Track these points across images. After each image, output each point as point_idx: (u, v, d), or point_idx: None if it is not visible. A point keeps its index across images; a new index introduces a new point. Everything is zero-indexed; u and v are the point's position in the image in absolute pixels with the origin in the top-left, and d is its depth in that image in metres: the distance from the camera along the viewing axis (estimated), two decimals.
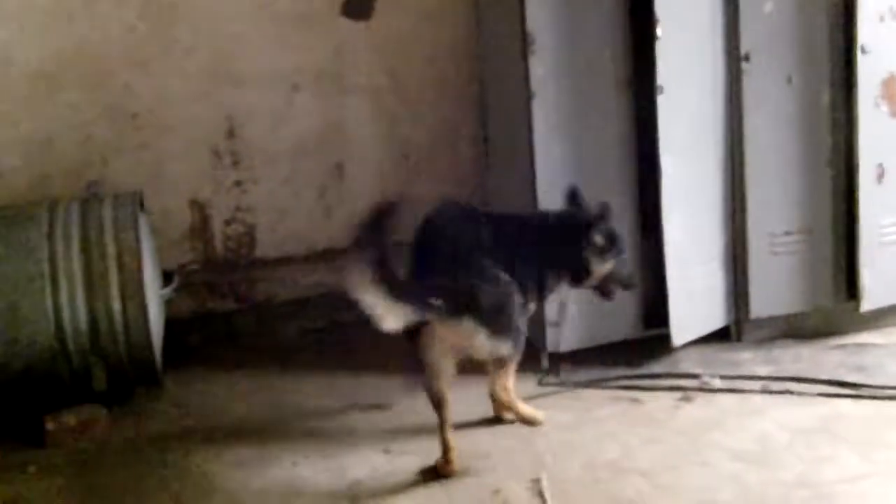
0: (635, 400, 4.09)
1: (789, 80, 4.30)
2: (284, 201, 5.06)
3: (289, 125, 5.00)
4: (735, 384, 4.14)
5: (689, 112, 4.19)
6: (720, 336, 4.51)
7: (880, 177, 4.36)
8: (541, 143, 4.18)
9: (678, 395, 4.09)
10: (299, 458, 3.78)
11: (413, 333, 3.52)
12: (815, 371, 4.19)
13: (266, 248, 5.05)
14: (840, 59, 4.31)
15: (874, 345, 4.46)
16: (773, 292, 4.44)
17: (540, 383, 4.24)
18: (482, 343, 3.57)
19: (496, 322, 3.58)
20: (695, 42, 4.18)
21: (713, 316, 4.44)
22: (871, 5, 4.22)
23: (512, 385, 3.75)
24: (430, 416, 3.64)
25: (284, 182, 5.05)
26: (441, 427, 3.60)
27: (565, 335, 4.31)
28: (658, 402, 4.05)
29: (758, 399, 4.03)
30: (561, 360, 4.35)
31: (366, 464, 3.71)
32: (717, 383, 4.15)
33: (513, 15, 4.14)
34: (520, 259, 3.70)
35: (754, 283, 4.43)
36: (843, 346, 4.44)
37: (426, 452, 3.68)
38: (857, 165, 4.34)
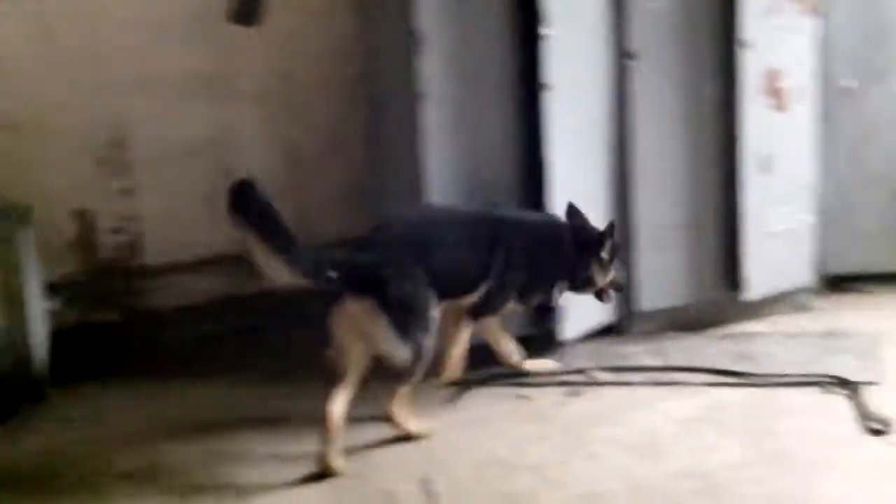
0: (524, 396, 4.15)
1: (674, 76, 4.42)
2: (172, 208, 5.01)
3: (176, 131, 4.97)
4: (622, 377, 4.23)
5: (576, 109, 4.27)
6: (609, 330, 4.60)
7: (763, 168, 4.49)
8: (430, 142, 4.22)
9: (567, 390, 4.16)
10: (188, 467, 3.76)
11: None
12: (701, 361, 4.31)
13: (154, 255, 5.00)
14: (723, 54, 4.43)
15: (758, 333, 4.60)
16: (660, 285, 4.57)
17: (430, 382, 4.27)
18: (381, 332, 3.63)
19: (399, 317, 3.65)
20: (582, 40, 4.27)
21: (601, 311, 4.52)
22: (752, 2, 4.35)
23: (405, 409, 3.80)
24: (317, 422, 3.66)
25: (172, 189, 5.01)
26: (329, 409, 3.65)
27: None
28: (547, 398, 4.12)
29: (645, 391, 4.13)
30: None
31: (256, 470, 3.70)
32: (605, 377, 4.23)
33: (401, 13, 4.17)
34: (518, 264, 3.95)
35: (642, 276, 4.55)
36: (728, 336, 4.58)
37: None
38: (741, 158, 4.47)
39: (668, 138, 4.47)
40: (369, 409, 3.88)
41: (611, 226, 4.10)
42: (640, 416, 3.91)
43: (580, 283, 4.14)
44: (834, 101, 4.70)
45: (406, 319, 3.67)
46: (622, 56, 4.35)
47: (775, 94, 4.47)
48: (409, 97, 4.22)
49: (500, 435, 3.84)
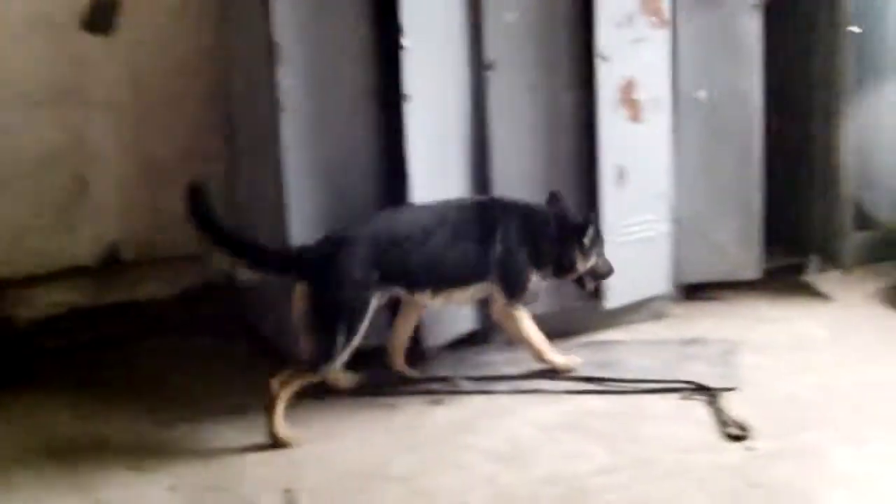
0: (389, 406, 4.16)
1: (532, 88, 4.47)
2: (23, 220, 4.87)
3: (27, 142, 4.82)
4: (485, 385, 4.28)
5: (436, 120, 4.30)
6: (472, 339, 4.63)
7: (620, 178, 4.58)
8: (289, 154, 4.18)
9: (431, 399, 4.20)
10: (45, 482, 3.69)
11: None
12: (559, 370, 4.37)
13: (3, 268, 4.83)
14: (580, 65, 4.51)
15: (618, 341, 4.69)
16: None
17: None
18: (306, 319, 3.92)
19: (321, 312, 3.91)
20: (441, 51, 4.29)
21: (464, 319, 4.57)
22: (608, 13, 4.43)
23: (285, 397, 3.88)
24: (177, 433, 3.62)
25: (23, 200, 4.86)
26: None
27: None
28: (412, 407, 4.15)
29: (508, 399, 4.18)
30: None
31: (115, 483, 3.65)
32: (468, 385, 4.27)
33: (259, 23, 4.12)
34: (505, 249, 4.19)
35: None
36: (588, 345, 4.65)
37: (178, 470, 3.69)
38: (599, 168, 4.55)
39: (526, 149, 4.52)
40: (233, 417, 3.86)
41: (592, 214, 4.36)
42: (505, 425, 3.97)
43: (562, 269, 4.35)
44: (685, 112, 4.82)
45: (323, 316, 3.91)
46: (480, 67, 4.38)
47: (631, 106, 4.57)
48: (267, 108, 4.19)
49: (365, 445, 3.86)
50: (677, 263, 4.89)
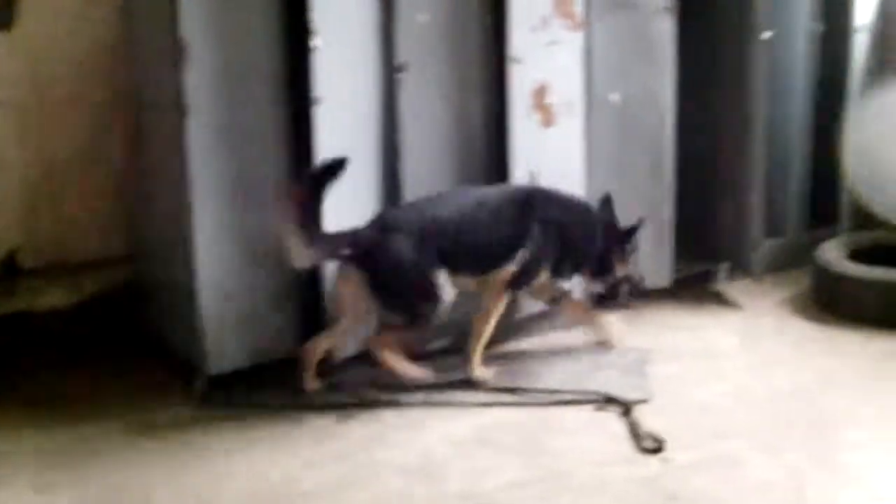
0: (297, 420, 4.06)
1: (444, 91, 4.41)
2: None
3: None
4: (396, 398, 4.20)
5: (346, 123, 4.22)
6: None
7: (534, 183, 4.53)
8: (195, 156, 4.05)
9: (341, 413, 4.11)
10: None
11: None
12: (473, 381, 4.32)
13: None
14: (493, 68, 4.47)
15: (529, 351, 4.65)
16: None
17: (198, 407, 4.15)
18: (368, 297, 4.14)
19: (386, 292, 4.14)
20: (352, 53, 4.22)
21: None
22: (522, 16, 4.39)
23: (394, 344, 4.26)
24: (77, 450, 3.48)
25: None
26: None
27: None
28: (320, 422, 4.05)
29: (419, 412, 4.11)
30: (216, 382, 4.25)
31: (14, 500, 3.53)
32: (378, 399, 4.19)
33: (164, 21, 3.99)
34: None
35: None
36: (501, 355, 4.59)
37: (78, 486, 3.59)
38: (511, 173, 4.50)
39: (437, 153, 4.46)
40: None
41: (640, 221, 4.54)
42: (418, 439, 3.91)
43: (602, 272, 4.53)
44: (598, 116, 4.79)
45: (391, 296, 4.16)
46: (391, 69, 4.30)
47: (543, 110, 4.53)
48: (173, 109, 4.05)
49: (274, 462, 3.75)
50: None
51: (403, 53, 4.29)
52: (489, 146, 4.55)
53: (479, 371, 4.33)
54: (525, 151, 4.51)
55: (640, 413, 3.99)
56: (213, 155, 4.07)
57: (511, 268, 4.30)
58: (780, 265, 5.41)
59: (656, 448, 3.73)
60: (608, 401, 4.11)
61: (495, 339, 4.57)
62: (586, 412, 4.07)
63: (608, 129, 4.85)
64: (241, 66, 4.09)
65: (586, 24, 4.62)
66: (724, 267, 5.42)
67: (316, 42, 4.02)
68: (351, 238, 4.12)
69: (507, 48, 4.41)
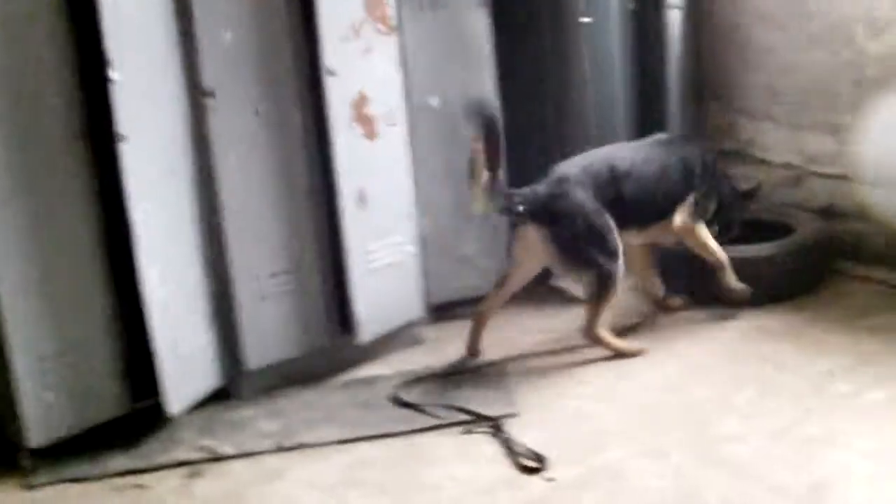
0: (140, 486, 3.76)
1: (257, 112, 4.14)
2: None
3: None
4: (245, 447, 3.92)
5: (156, 157, 3.91)
6: (219, 396, 4.27)
7: (363, 201, 4.34)
8: None
9: (186, 471, 3.82)
10: None
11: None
12: (327, 417, 4.10)
13: None
14: (308, 83, 4.23)
15: (379, 377, 4.43)
16: (267, 339, 4.30)
17: (29, 486, 3.79)
18: (554, 260, 4.36)
19: (571, 247, 4.29)
20: (155, 82, 3.91)
21: (208, 376, 4.20)
22: (332, 23, 4.16)
23: (603, 321, 4.38)
24: None
25: None
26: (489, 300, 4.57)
27: None
28: (166, 484, 3.75)
29: (274, 459, 3.85)
30: (42, 455, 3.89)
31: None
32: (226, 449, 3.91)
33: None
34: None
35: (246, 332, 4.25)
36: (348, 385, 4.38)
37: None
38: (337, 192, 4.28)
39: (257, 179, 4.19)
40: None
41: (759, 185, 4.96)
42: (277, 490, 3.65)
43: (725, 229, 4.78)
44: (419, 122, 4.63)
45: (578, 249, 4.29)
46: (199, 94, 4.02)
47: (364, 122, 4.33)
48: None
49: None
50: (427, 284, 4.70)
51: (210, 78, 4.00)
52: (312, 165, 4.31)
53: (739, 286, 4.62)
54: (350, 167, 4.29)
55: (511, 429, 3.84)
56: (7, 210, 3.71)
57: (685, 206, 4.57)
58: None
59: (537, 467, 3.58)
60: (477, 420, 3.95)
61: (338, 368, 4.44)
62: (454, 436, 3.89)
63: (431, 135, 4.69)
64: (30, 102, 3.72)
65: (399, 28, 4.43)
66: None
67: (114, 74, 3.69)
68: (530, 194, 4.27)
69: (322, 60, 4.18)
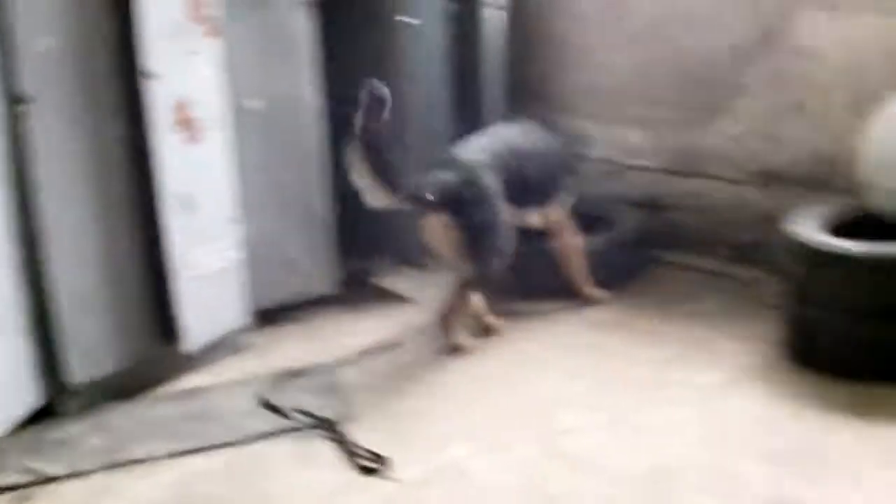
0: None
1: (77, 119, 3.99)
2: None
3: None
4: (75, 466, 3.77)
5: None
6: (44, 414, 4.09)
7: (185, 207, 4.24)
8: None
9: (14, 496, 3.63)
10: None
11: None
12: (157, 430, 3.98)
13: None
14: (129, 87, 4.10)
15: (207, 387, 4.34)
16: (91, 353, 4.14)
17: None
18: (455, 245, 4.34)
19: (472, 235, 4.33)
20: None
21: (28, 394, 4.02)
22: (154, 26, 4.04)
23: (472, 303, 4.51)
24: None
25: None
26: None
27: None
28: None
29: (105, 477, 3.70)
30: None
31: None
32: (56, 470, 3.76)
33: None
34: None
35: (68, 347, 4.08)
36: (176, 396, 4.28)
37: None
38: (161, 200, 4.17)
39: (76, 188, 4.04)
40: None
41: None
42: None
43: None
44: (243, 126, 4.55)
45: (482, 238, 4.34)
46: (16, 101, 3.85)
47: (187, 126, 4.23)
48: None
49: None
50: (251, 289, 4.64)
51: (26, 84, 3.82)
52: (133, 171, 4.18)
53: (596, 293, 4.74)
54: (173, 172, 4.18)
55: (349, 432, 3.82)
56: None
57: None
58: None
59: (378, 468, 3.57)
60: (312, 424, 3.91)
61: (161, 380, 4.35)
62: (289, 443, 3.84)
63: (255, 139, 4.62)
64: None
65: (221, 30, 4.35)
66: (387, 261, 5.37)
67: None
68: (439, 182, 4.29)
69: (142, 63, 4.06)
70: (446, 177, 4.35)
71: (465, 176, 4.35)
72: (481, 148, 4.52)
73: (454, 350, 4.43)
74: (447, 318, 4.45)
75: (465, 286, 4.44)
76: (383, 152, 4.16)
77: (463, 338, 4.49)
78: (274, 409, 4.07)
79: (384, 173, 4.16)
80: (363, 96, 4.13)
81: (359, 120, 4.12)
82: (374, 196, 4.20)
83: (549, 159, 4.72)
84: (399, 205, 4.28)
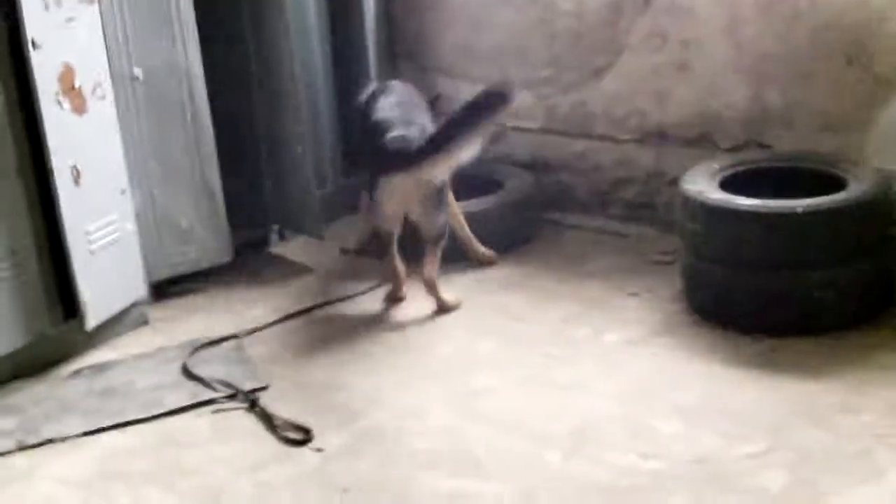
0: None
1: None
2: None
3: None
4: None
5: None
6: None
7: (77, 179, 4.14)
8: None
9: None
10: None
11: None
12: (66, 408, 3.91)
13: None
14: (9, 57, 3.97)
15: (110, 362, 4.27)
16: None
17: None
18: (423, 198, 4.32)
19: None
20: None
21: None
22: None
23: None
24: None
25: None
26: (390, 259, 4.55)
27: None
28: None
29: (19, 459, 3.63)
30: None
31: None
32: None
33: None
34: None
35: None
36: (80, 373, 4.20)
37: None
38: (52, 171, 4.07)
39: None
40: None
41: None
42: (32, 490, 3.45)
43: None
44: (126, 94, 4.48)
45: (442, 192, 4.38)
46: None
47: (73, 95, 4.12)
48: None
49: None
50: (146, 261, 4.57)
51: None
52: (21, 144, 4.05)
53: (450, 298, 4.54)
54: (61, 143, 4.07)
55: (265, 403, 3.80)
56: None
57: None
58: (328, 218, 5.34)
59: (304, 439, 3.58)
60: (228, 396, 3.89)
61: (63, 357, 4.30)
62: (206, 417, 3.80)
63: (138, 108, 4.55)
64: None
65: None
66: (278, 229, 5.34)
67: None
68: (402, 142, 4.24)
69: (24, 32, 3.94)
70: (403, 133, 4.31)
71: (417, 130, 4.35)
72: (397, 104, 4.56)
73: (450, 309, 4.46)
74: (432, 281, 4.44)
75: (436, 242, 4.43)
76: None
77: (452, 296, 4.50)
78: (197, 378, 4.04)
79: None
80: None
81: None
82: (388, 215, 4.41)
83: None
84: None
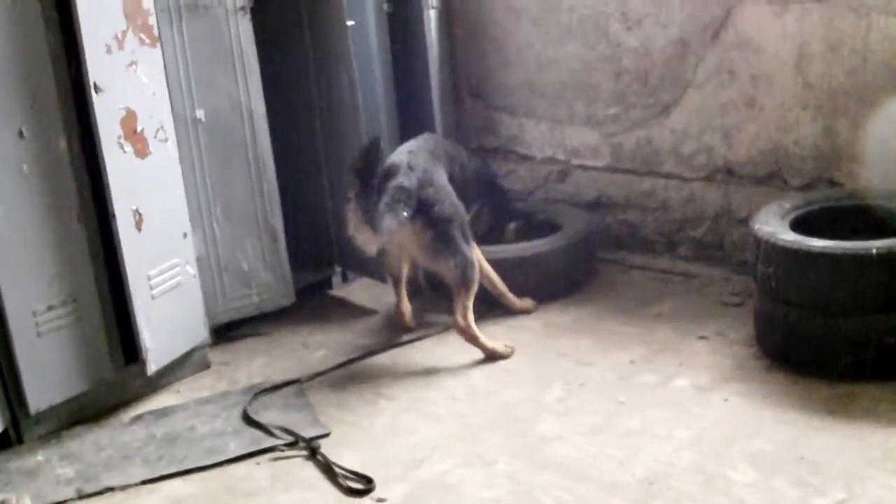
0: None
1: (21, 134, 3.84)
2: None
3: None
4: (47, 497, 3.64)
5: None
6: (1, 442, 3.97)
7: (139, 223, 4.13)
8: None
9: None
10: None
11: None
12: (126, 455, 3.88)
13: None
14: (73, 100, 3.97)
15: (172, 407, 4.24)
16: (49, 377, 4.02)
17: None
18: (424, 244, 4.32)
19: (444, 232, 4.31)
20: None
21: None
22: (95, 36, 3.92)
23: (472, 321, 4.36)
24: None
25: None
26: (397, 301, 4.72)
27: None
28: None
29: None
30: None
31: None
32: (26, 502, 3.63)
33: None
34: None
35: (25, 372, 3.95)
36: (141, 418, 4.17)
37: None
38: (113, 216, 4.06)
39: (23, 205, 3.88)
40: None
41: None
42: None
43: None
44: (188, 137, 4.47)
45: (448, 233, 4.30)
46: None
47: (135, 140, 4.11)
48: None
49: None
50: (207, 305, 4.55)
51: None
52: (83, 188, 4.05)
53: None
54: (123, 187, 4.07)
55: (326, 451, 3.74)
56: None
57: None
58: None
59: (366, 488, 3.50)
60: (289, 444, 3.83)
61: (125, 402, 4.28)
62: (267, 464, 3.75)
63: (200, 150, 4.54)
64: None
65: (161, 38, 4.24)
66: (339, 272, 5.30)
67: None
68: (401, 191, 4.18)
69: (86, 76, 3.94)
70: (403, 183, 4.24)
71: (420, 176, 4.30)
72: (420, 149, 4.51)
73: (498, 357, 4.38)
74: (470, 331, 4.35)
75: (460, 288, 4.34)
76: (371, 200, 4.12)
77: (500, 343, 4.42)
78: (257, 425, 3.99)
79: (371, 220, 4.10)
80: (362, 150, 4.23)
81: (354, 174, 4.16)
82: (368, 245, 4.21)
83: (471, 165, 4.86)
84: (382, 242, 4.22)
